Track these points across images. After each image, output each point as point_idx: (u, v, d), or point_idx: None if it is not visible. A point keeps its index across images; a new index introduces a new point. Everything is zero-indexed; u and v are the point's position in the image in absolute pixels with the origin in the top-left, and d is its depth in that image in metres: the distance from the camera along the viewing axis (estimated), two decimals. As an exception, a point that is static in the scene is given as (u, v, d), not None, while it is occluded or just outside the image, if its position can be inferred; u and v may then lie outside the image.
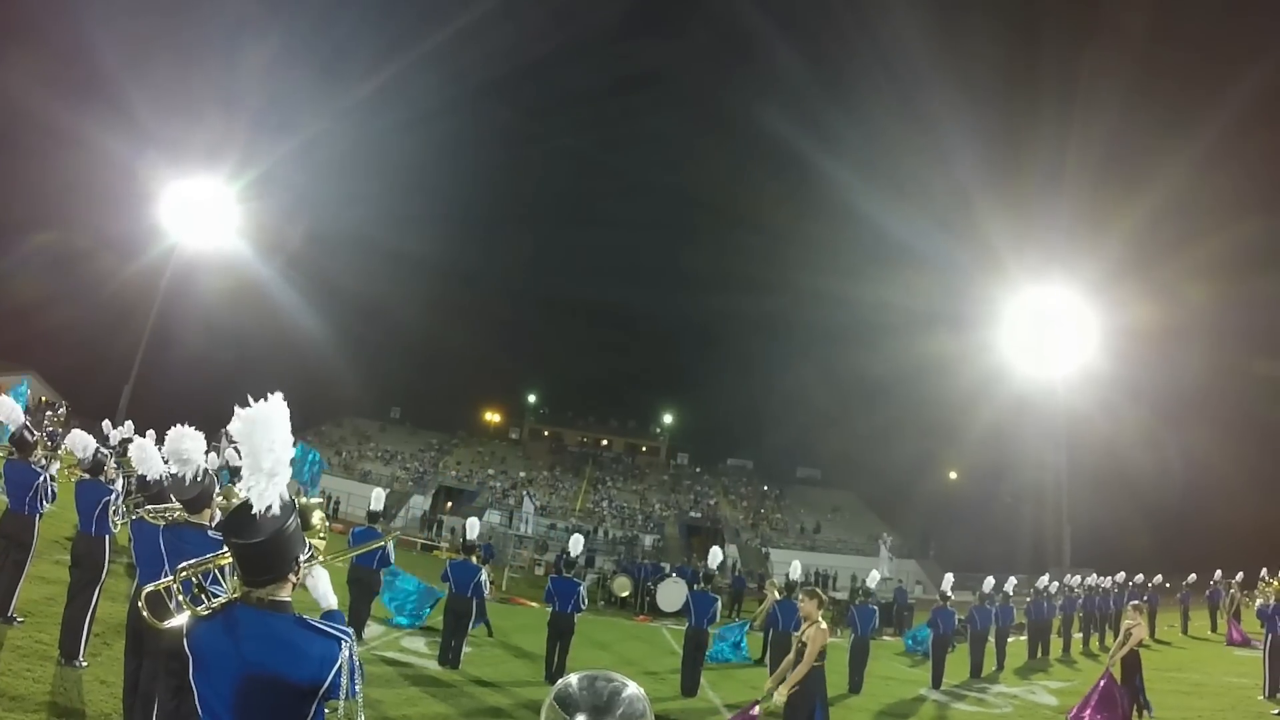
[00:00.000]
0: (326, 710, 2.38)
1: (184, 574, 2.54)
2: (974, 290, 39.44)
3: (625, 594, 22.24)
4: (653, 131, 65.15)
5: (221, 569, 2.79)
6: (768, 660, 13.00)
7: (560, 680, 1.28)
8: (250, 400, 2.43)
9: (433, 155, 55.05)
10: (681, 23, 65.31)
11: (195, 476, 4.36)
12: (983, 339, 38.58)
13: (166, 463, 4.68)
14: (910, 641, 17.55)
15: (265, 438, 2.40)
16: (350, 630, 2.48)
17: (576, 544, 12.20)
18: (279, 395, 2.50)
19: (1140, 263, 36.21)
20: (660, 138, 66.25)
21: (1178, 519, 34.56)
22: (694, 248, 61.78)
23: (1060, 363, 34.98)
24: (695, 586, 12.36)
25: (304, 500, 2.99)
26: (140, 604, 2.80)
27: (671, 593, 20.33)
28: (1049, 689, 12.90)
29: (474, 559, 10.73)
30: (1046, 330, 34.96)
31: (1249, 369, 36.19)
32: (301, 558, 2.50)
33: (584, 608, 10.49)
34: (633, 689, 1.26)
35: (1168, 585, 21.73)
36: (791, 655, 6.81)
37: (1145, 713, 9.93)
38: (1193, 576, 21.24)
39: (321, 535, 3.13)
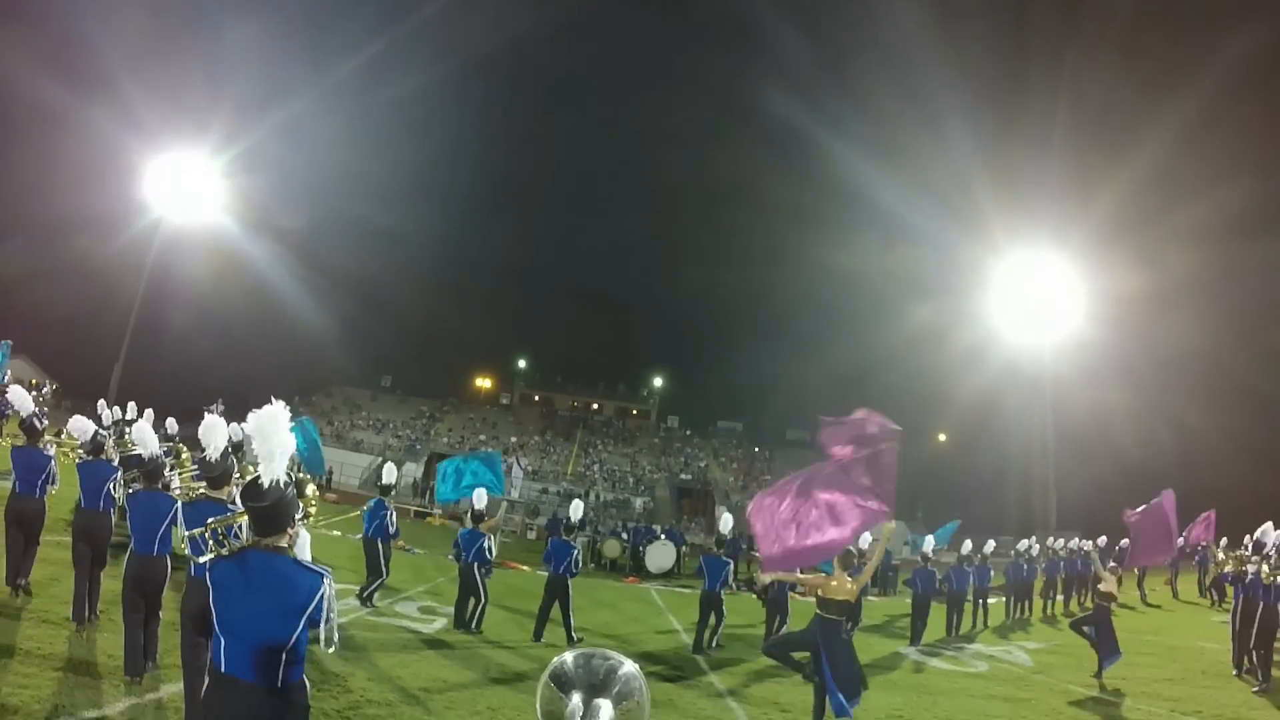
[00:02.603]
0: (310, 634, 3.18)
1: (212, 525, 3.84)
2: (963, 257, 39.67)
3: (615, 556, 22.64)
4: (645, 105, 64.78)
5: (240, 524, 3.84)
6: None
7: (555, 659, 1.27)
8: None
9: (421, 128, 54.80)
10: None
11: (220, 458, 5.52)
12: (972, 305, 38.86)
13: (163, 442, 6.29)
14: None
15: (273, 433, 3.35)
16: (329, 569, 3.29)
17: (576, 509, 12.37)
18: (281, 403, 3.46)
19: (1128, 228, 36.38)
20: (652, 111, 65.74)
21: (1164, 484, 34.94)
22: (683, 217, 61.78)
23: (1048, 328, 35.28)
24: (710, 551, 12.56)
25: (301, 476, 4.09)
26: (182, 542, 4.42)
27: (660, 555, 20.67)
28: (1026, 649, 13.25)
29: (480, 526, 10.98)
30: (1035, 296, 35.23)
31: (1238, 335, 36.50)
32: (297, 516, 3.38)
33: (577, 570, 10.76)
34: (629, 666, 1.25)
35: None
36: None
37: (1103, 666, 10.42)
38: (1180, 540, 21.61)
39: (313, 503, 4.10)
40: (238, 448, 8.82)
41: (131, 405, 16.27)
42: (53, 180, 37.37)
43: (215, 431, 5.50)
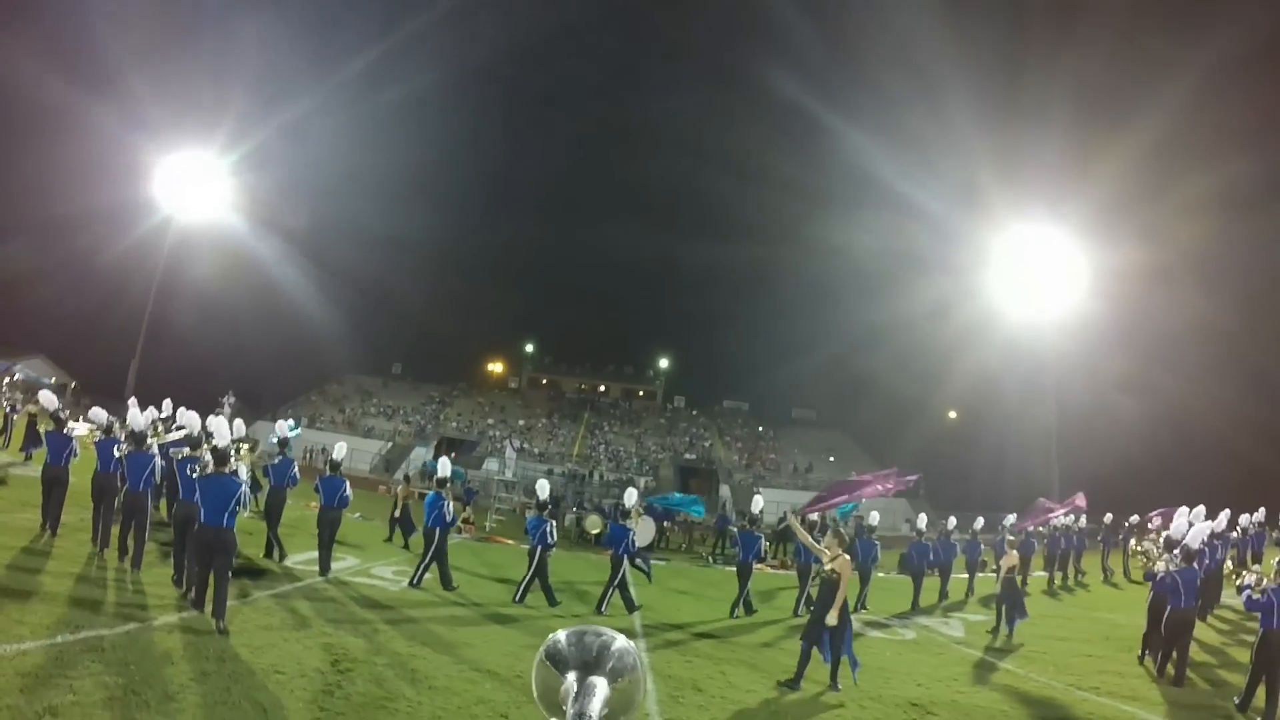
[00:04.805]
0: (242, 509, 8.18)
1: (199, 467, 8.34)
2: (964, 233, 39.56)
3: (596, 531, 23.23)
4: (649, 82, 64.90)
5: (209, 463, 8.04)
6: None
7: (549, 637, 1.26)
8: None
9: (428, 116, 54.77)
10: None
11: (195, 434, 10.34)
12: (974, 281, 38.88)
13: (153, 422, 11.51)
14: None
15: (221, 428, 8.60)
16: (245, 479, 8.60)
17: (630, 496, 13.50)
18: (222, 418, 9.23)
19: (1129, 202, 36.13)
20: (657, 88, 65.98)
21: (1166, 460, 35.15)
22: (688, 196, 61.88)
23: (1050, 304, 35.39)
24: (742, 527, 13.79)
25: (239, 443, 10.01)
26: (206, 465, 8.16)
27: (639, 529, 21.30)
28: (966, 621, 13.67)
29: (543, 514, 12.04)
30: (1036, 272, 35.32)
31: (1239, 309, 36.34)
32: (232, 459, 8.09)
33: (634, 549, 12.44)
34: (622, 641, 1.23)
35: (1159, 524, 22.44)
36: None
37: (1011, 625, 11.29)
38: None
39: (242, 455, 9.45)
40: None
41: (167, 403, 17.39)
42: (65, 180, 37.97)
43: (193, 419, 11.04)
